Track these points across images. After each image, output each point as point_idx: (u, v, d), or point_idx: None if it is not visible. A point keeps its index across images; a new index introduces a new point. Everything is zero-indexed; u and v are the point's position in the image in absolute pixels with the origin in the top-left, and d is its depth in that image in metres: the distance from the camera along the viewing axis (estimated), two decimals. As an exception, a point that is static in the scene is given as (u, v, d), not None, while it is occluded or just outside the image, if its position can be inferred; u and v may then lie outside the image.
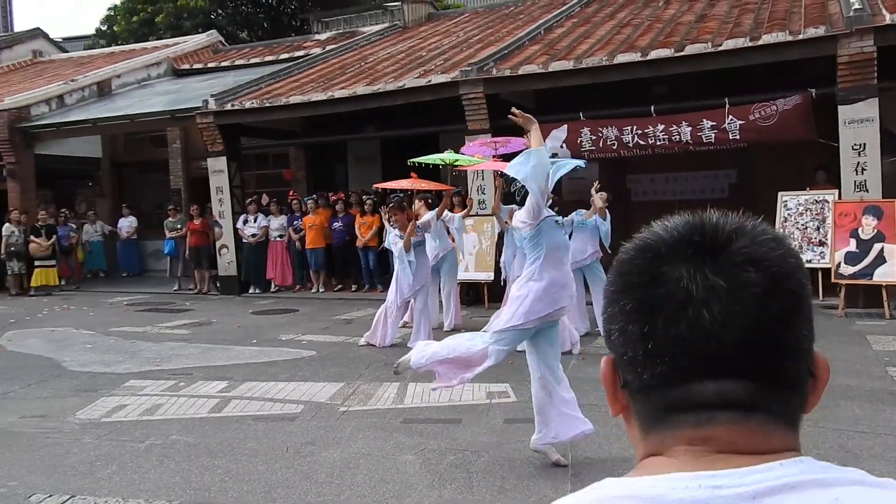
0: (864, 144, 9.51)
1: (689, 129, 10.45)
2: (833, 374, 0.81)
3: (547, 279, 4.67)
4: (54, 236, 15.23)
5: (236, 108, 13.61)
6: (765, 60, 9.96)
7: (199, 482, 4.57)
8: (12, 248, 14.85)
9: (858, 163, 9.58)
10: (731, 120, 10.19)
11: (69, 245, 16.41)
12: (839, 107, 9.57)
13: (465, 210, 9.73)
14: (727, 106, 10.20)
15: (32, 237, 14.91)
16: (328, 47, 17.68)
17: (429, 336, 8.69)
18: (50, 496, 4.39)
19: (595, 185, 8.66)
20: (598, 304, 8.80)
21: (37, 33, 24.81)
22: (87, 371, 7.82)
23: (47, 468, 4.88)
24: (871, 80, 9.38)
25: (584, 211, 8.79)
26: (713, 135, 10.36)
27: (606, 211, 8.59)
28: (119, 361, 8.26)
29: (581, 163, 7.30)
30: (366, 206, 13.31)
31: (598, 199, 8.47)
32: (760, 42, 9.87)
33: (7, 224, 15.03)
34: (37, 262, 14.99)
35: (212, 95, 13.94)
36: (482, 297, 11.58)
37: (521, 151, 9.74)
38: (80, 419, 6.01)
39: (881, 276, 9.12)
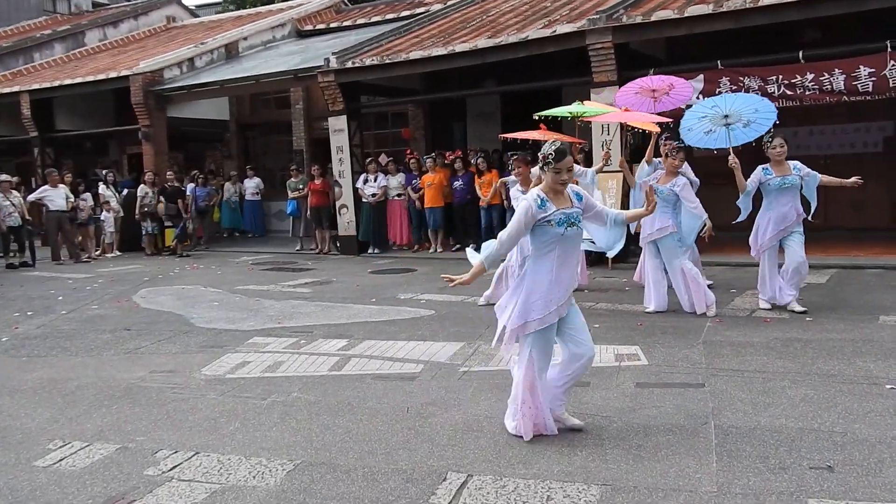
0: None
1: (844, 76, 9.49)
2: None
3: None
4: (180, 199, 15.52)
5: (357, 65, 13.49)
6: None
7: (320, 441, 4.43)
8: (146, 209, 15.38)
9: None
10: (893, 65, 9.19)
11: (205, 206, 16.65)
12: None
13: (600, 164, 9.18)
14: (889, 49, 9.19)
15: (162, 198, 15.38)
16: (449, 2, 17.26)
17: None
18: (175, 452, 4.35)
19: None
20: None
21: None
22: (213, 328, 7.93)
23: (173, 423, 4.88)
24: None
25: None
26: (871, 83, 9.39)
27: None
28: (243, 319, 8.34)
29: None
30: (479, 165, 12.93)
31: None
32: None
33: (142, 185, 15.60)
34: (167, 223, 15.47)
35: (333, 54, 13.89)
36: (605, 257, 11.05)
37: (684, 104, 9.05)
38: (205, 375, 6.04)
39: None
